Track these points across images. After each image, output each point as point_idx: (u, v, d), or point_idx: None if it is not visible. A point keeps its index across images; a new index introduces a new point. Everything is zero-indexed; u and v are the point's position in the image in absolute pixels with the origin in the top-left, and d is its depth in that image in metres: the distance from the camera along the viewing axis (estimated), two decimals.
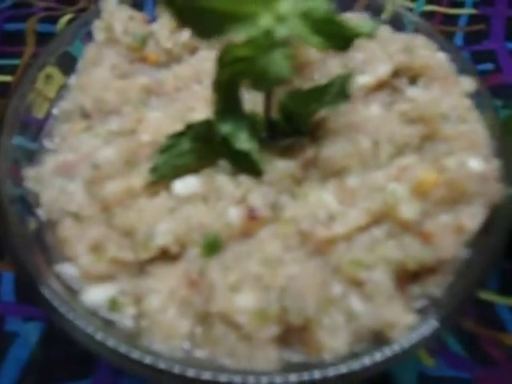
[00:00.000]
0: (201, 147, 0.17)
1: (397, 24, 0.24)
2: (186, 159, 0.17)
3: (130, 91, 0.19)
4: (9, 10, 0.38)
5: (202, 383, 0.13)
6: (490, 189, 0.16)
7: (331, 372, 0.13)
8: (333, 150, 0.17)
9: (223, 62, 0.14)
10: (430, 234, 0.15)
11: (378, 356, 0.13)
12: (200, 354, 0.14)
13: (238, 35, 0.13)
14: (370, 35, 0.14)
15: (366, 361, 0.13)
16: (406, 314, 0.14)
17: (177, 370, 0.13)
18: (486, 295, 0.24)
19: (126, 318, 0.15)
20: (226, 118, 0.16)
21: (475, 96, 0.20)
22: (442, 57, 0.21)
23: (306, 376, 0.13)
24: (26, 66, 0.34)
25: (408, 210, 0.15)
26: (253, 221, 0.16)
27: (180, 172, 0.17)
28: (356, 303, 0.14)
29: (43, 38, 0.37)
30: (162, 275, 0.15)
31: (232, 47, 0.14)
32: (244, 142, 0.16)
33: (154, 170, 0.17)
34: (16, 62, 0.35)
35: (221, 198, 0.16)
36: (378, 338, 0.14)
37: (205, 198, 0.16)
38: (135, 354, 0.13)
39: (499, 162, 0.17)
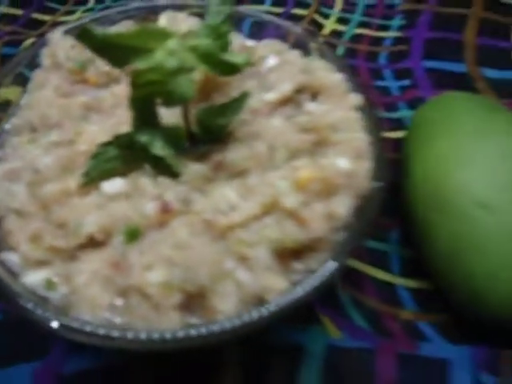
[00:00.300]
0: (126, 154, 0.20)
1: (305, 50, 0.28)
2: (112, 164, 0.20)
3: (71, 108, 0.23)
4: None
5: (113, 339, 0.16)
6: (357, 183, 0.20)
7: (216, 327, 0.16)
8: (234, 155, 0.21)
9: (136, 85, 0.18)
10: (304, 219, 0.19)
11: (255, 314, 0.17)
12: (119, 321, 0.18)
13: (141, 65, 0.17)
14: (244, 65, 0.18)
15: (245, 318, 0.17)
16: (281, 281, 0.17)
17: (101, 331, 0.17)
18: (389, 278, 0.28)
19: (58, 296, 0.18)
20: (143, 130, 0.20)
21: (363, 109, 0.24)
22: (338, 77, 0.25)
23: (193, 332, 0.16)
24: None
25: (289, 201, 0.19)
26: (166, 213, 0.19)
27: (108, 175, 0.20)
28: (242, 274, 0.18)
29: (7, 61, 0.40)
30: (89, 259, 0.19)
31: (143, 73, 0.18)
32: (159, 149, 0.20)
33: (85, 173, 0.20)
34: None
35: (142, 196, 0.20)
36: (261, 302, 0.18)
37: (128, 196, 0.20)
38: (63, 320, 0.17)
39: (371, 163, 0.21)
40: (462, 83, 0.38)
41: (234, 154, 0.21)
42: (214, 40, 0.20)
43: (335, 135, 0.23)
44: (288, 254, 0.19)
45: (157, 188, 0.20)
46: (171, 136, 0.21)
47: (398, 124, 0.36)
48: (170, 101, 0.19)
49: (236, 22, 0.29)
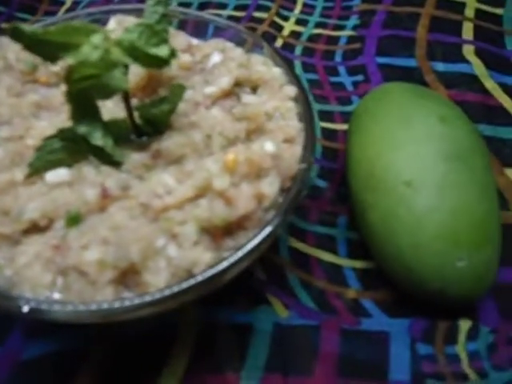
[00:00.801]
0: (69, 145, 0.22)
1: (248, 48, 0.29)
2: (57, 155, 0.22)
3: (21, 106, 0.24)
4: None
5: (53, 313, 0.17)
6: (284, 166, 0.22)
7: (147, 298, 0.18)
8: (172, 143, 0.22)
9: (70, 79, 0.20)
10: (231, 199, 0.20)
11: (184, 284, 0.18)
12: (57, 297, 0.19)
13: (69, 60, 0.18)
14: (169, 58, 0.20)
15: (174, 289, 0.18)
16: (207, 255, 0.19)
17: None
18: (337, 260, 0.29)
19: (3, 278, 0.20)
20: (82, 122, 0.21)
21: (298, 100, 0.26)
22: (276, 71, 0.27)
23: (127, 302, 0.18)
24: None
25: (219, 183, 0.20)
26: (106, 198, 0.21)
27: (53, 166, 0.22)
28: (172, 250, 0.19)
29: None
30: (31, 242, 0.20)
31: (77, 67, 0.19)
32: (98, 139, 0.21)
33: (30, 164, 0.21)
34: None
35: (84, 184, 0.21)
36: (190, 276, 0.19)
37: (71, 184, 0.21)
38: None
39: (300, 147, 0.23)
40: (412, 76, 0.40)
41: (171, 142, 0.22)
42: (148, 37, 0.22)
43: (270, 123, 0.24)
44: (219, 232, 0.20)
45: (99, 176, 0.21)
46: (113, 128, 0.22)
47: (350, 116, 0.38)
48: (105, 93, 0.20)
49: (201, 28, 0.31)
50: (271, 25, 0.46)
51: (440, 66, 0.41)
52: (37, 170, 0.21)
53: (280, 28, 0.46)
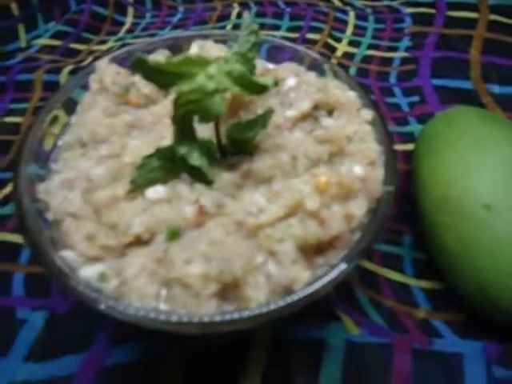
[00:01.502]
0: (166, 164, 0.23)
1: (320, 72, 0.31)
2: (155, 174, 0.23)
3: (116, 126, 0.26)
4: (19, 64, 0.46)
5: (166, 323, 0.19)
6: (370, 187, 0.22)
7: (248, 312, 0.19)
8: (261, 164, 0.23)
9: (178, 104, 0.21)
10: (324, 219, 0.21)
11: (286, 300, 0.19)
12: (163, 308, 0.20)
13: (184, 87, 0.20)
14: (272, 86, 0.21)
15: (275, 305, 0.19)
16: (306, 273, 0.20)
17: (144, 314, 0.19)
18: (404, 279, 0.30)
19: (110, 287, 0.21)
20: (182, 143, 0.23)
21: (374, 123, 0.27)
22: (351, 94, 0.28)
23: (227, 316, 0.19)
24: (36, 109, 0.41)
25: (311, 203, 0.21)
26: (202, 215, 0.22)
27: (151, 183, 0.23)
28: (272, 267, 0.20)
29: (48, 86, 0.44)
30: (136, 255, 0.21)
31: (184, 93, 0.21)
32: (196, 159, 0.23)
33: (132, 181, 0.23)
34: (25, 105, 0.42)
35: (181, 201, 0.23)
36: (288, 292, 0.20)
37: (169, 201, 0.23)
38: (120, 306, 0.19)
39: (383, 170, 0.24)
40: (469, 98, 0.41)
41: (261, 164, 0.23)
42: (242, 64, 0.23)
43: (350, 146, 0.25)
44: (311, 251, 0.21)
45: (194, 194, 0.23)
46: (205, 148, 0.23)
47: (408, 137, 0.39)
48: (206, 117, 0.22)
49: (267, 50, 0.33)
50: (324, 46, 0.48)
51: (496, 89, 0.42)
52: (138, 186, 0.23)
53: (333, 49, 0.48)
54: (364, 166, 0.23)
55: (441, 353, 0.26)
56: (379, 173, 0.24)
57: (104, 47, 0.50)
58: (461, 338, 0.27)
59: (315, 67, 0.31)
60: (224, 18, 0.52)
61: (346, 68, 0.45)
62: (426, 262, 0.30)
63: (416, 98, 0.42)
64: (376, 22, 0.51)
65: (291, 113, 0.27)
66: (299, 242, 0.21)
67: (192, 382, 0.26)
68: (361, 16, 0.52)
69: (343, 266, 0.20)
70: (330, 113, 0.28)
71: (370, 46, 0.48)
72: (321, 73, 0.30)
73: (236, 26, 0.51)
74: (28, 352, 0.27)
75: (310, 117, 0.27)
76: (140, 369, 0.26)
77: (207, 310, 0.20)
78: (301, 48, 0.32)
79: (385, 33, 0.50)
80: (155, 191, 0.23)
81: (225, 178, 0.23)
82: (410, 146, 0.37)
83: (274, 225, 0.22)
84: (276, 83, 0.21)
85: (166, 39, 0.32)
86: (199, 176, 0.23)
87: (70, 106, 0.29)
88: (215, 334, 0.23)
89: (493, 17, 0.50)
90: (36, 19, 0.51)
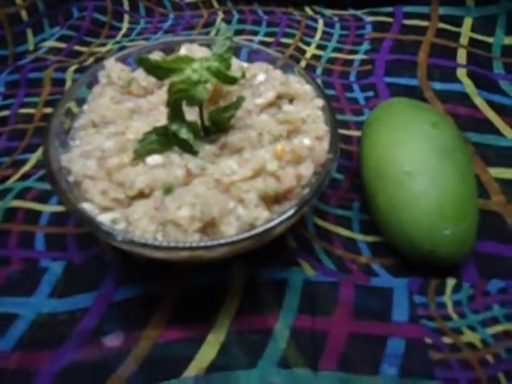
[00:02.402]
0: (161, 139, 0.30)
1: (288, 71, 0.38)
2: (153, 145, 0.30)
3: (121, 111, 0.33)
4: (30, 64, 0.52)
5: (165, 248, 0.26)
6: (317, 155, 0.30)
7: (223, 240, 0.26)
8: (234, 138, 0.31)
9: (170, 92, 0.28)
10: (280, 176, 0.28)
11: (249, 232, 0.26)
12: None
13: (176, 78, 0.27)
14: (240, 77, 0.28)
15: (242, 235, 0.26)
16: (265, 214, 0.27)
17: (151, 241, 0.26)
18: (352, 235, 0.37)
19: (120, 228, 0.28)
20: (174, 122, 0.30)
21: (324, 110, 0.34)
22: (307, 87, 0.36)
23: (208, 242, 0.26)
24: (47, 102, 0.48)
25: (271, 166, 0.29)
26: (189, 176, 0.29)
27: (150, 153, 0.30)
28: (240, 210, 0.27)
29: (56, 82, 0.51)
30: (140, 205, 0.28)
31: (175, 83, 0.28)
32: (184, 134, 0.30)
33: (135, 151, 0.30)
34: (36, 99, 0.49)
35: (173, 165, 0.30)
36: (253, 228, 0.27)
37: (164, 166, 0.30)
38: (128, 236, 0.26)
39: (327, 143, 0.31)
40: (414, 93, 0.49)
41: (234, 138, 0.31)
42: (219, 62, 0.31)
43: (304, 126, 0.33)
44: (270, 201, 0.29)
45: (183, 160, 0.30)
46: (192, 127, 0.31)
47: (362, 125, 0.46)
48: (192, 102, 0.29)
49: (236, 51, 0.40)
50: (296, 49, 0.55)
51: (437, 85, 0.50)
52: (140, 155, 0.30)
53: (303, 52, 0.55)
54: (312, 140, 0.30)
55: (376, 287, 0.34)
56: (324, 145, 0.31)
57: (104, 49, 0.57)
58: (392, 276, 0.34)
59: (283, 66, 0.38)
60: (209, 24, 0.60)
61: (313, 68, 0.53)
62: (369, 222, 0.38)
63: (371, 93, 0.50)
64: (341, 28, 0.59)
65: (259, 100, 0.34)
66: (261, 194, 0.28)
67: (181, 312, 0.33)
68: (328, 23, 0.60)
69: (292, 211, 0.28)
70: (291, 101, 0.36)
71: (335, 49, 0.56)
72: (286, 71, 0.38)
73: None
74: (50, 291, 0.33)
75: (274, 104, 0.35)
76: (140, 303, 0.33)
77: (192, 240, 0.27)
78: (272, 52, 0.39)
79: (348, 38, 0.57)
80: (153, 159, 0.30)
81: (206, 149, 0.31)
82: None
83: (244, 181, 0.29)
84: (243, 75, 0.28)
85: (160, 43, 0.40)
86: (187, 147, 0.30)
87: (80, 99, 0.36)
88: (199, 260, 0.30)
89: (441, 25, 0.58)
90: (42, 24, 0.57)
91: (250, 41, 0.57)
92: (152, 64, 0.27)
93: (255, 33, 0.58)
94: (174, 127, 0.30)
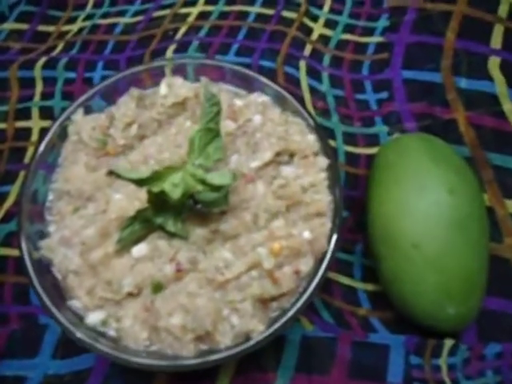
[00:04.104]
0: (146, 225, 0.28)
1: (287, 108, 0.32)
2: (137, 233, 0.28)
3: (99, 181, 0.29)
4: None
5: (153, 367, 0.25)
6: (316, 247, 0.27)
7: (222, 354, 0.25)
8: (227, 226, 0.28)
9: (150, 194, 0.25)
10: (277, 278, 0.26)
11: (245, 345, 0.25)
12: (154, 348, 0.27)
13: (154, 189, 0.23)
14: (230, 183, 0.24)
15: (237, 349, 0.25)
16: (260, 326, 0.26)
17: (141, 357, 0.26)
18: (351, 282, 0.36)
19: (111, 330, 0.27)
20: (158, 214, 0.27)
21: (328, 170, 0.30)
22: (310, 138, 0.31)
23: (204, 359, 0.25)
24: (16, 111, 0.42)
25: (267, 264, 0.27)
26: (179, 272, 0.27)
27: (135, 242, 0.28)
28: (234, 319, 0.26)
29: (24, 83, 0.44)
30: (129, 306, 0.27)
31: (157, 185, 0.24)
32: (171, 226, 0.27)
33: (119, 241, 0.27)
34: (5, 108, 0.43)
35: (161, 257, 0.27)
36: (248, 338, 0.26)
37: (151, 258, 0.28)
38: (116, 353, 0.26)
39: (330, 226, 0.28)
40: (436, 96, 0.42)
41: (227, 225, 0.28)
42: (206, 134, 0.26)
43: (305, 196, 0.29)
44: (267, 300, 0.27)
45: (171, 249, 0.28)
46: (178, 211, 0.27)
47: (372, 140, 0.41)
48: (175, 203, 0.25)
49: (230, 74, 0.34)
50: (300, 28, 0.46)
51: (463, 83, 0.43)
52: (124, 246, 0.28)
53: (309, 31, 0.47)
54: (312, 229, 0.27)
55: (374, 344, 0.34)
56: (326, 228, 0.28)
57: (74, 27, 0.48)
58: (389, 333, 0.34)
59: (279, 100, 0.32)
60: None
61: (320, 56, 0.45)
62: (370, 268, 0.36)
63: (385, 95, 0.43)
64: None
65: (254, 164, 0.30)
66: (256, 299, 0.26)
67: (179, 373, 0.34)
68: None
69: (285, 319, 0.26)
70: (291, 155, 0.31)
71: (347, 27, 0.47)
72: (285, 106, 0.32)
73: (202, 15, 0.48)
74: (53, 351, 0.34)
75: (272, 163, 0.30)
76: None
77: (188, 351, 0.26)
78: (266, 81, 0.33)
79: (363, 7, 0.48)
80: (139, 249, 0.28)
81: (197, 233, 0.28)
82: (373, 150, 0.40)
83: (237, 278, 0.27)
84: (234, 178, 0.24)
85: (134, 73, 0.33)
86: (175, 234, 0.28)
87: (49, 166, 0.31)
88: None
89: None
90: None
91: (246, 14, 0.48)
92: (127, 178, 0.23)
93: (251, 1, 0.48)
94: (159, 220, 0.27)
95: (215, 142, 0.27)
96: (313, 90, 0.43)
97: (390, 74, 0.44)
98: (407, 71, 0.44)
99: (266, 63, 0.44)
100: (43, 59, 0.45)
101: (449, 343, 0.33)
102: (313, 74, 0.44)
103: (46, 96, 0.44)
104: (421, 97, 0.42)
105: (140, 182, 0.23)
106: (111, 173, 0.22)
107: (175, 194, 0.23)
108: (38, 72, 0.44)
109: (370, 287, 0.36)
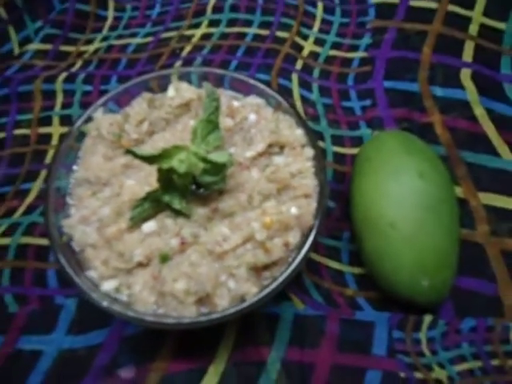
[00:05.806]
0: (154, 205, 0.32)
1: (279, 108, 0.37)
2: (147, 212, 0.32)
3: (114, 169, 0.34)
4: (18, 74, 0.51)
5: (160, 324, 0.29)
6: (303, 222, 0.31)
7: (218, 314, 0.29)
8: (225, 205, 0.32)
9: (160, 172, 0.29)
10: (268, 248, 0.30)
11: (240, 306, 0.29)
12: (161, 311, 0.30)
13: (164, 165, 0.28)
14: (227, 164, 0.29)
15: (233, 309, 0.29)
16: (254, 288, 0.29)
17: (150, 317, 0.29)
18: (339, 266, 0.40)
19: (123, 296, 0.31)
20: (166, 192, 0.31)
21: (314, 159, 0.34)
22: (299, 132, 0.35)
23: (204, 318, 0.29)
24: (39, 120, 0.48)
25: (259, 236, 0.30)
26: (183, 245, 0.31)
27: (145, 219, 0.32)
28: (231, 284, 0.30)
29: (46, 95, 0.50)
30: (139, 274, 0.31)
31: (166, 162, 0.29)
32: (177, 204, 0.31)
33: (131, 219, 0.32)
34: (29, 116, 0.49)
35: (167, 232, 0.31)
36: (243, 300, 0.30)
37: (159, 233, 0.32)
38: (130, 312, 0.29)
39: (315, 204, 0.32)
40: (413, 103, 0.47)
41: (225, 204, 0.32)
42: (207, 126, 0.31)
43: (293, 181, 0.34)
44: (260, 268, 0.31)
45: (176, 226, 0.32)
46: (184, 191, 0.32)
47: (357, 141, 0.46)
48: (181, 180, 0.30)
49: (230, 82, 0.39)
50: (292, 46, 0.52)
51: (438, 91, 0.48)
52: (135, 222, 0.32)
53: (300, 48, 0.52)
54: (300, 205, 0.31)
55: (360, 321, 0.37)
56: (312, 206, 0.32)
57: (91, 47, 0.54)
58: (374, 311, 0.37)
59: (273, 102, 0.37)
60: (200, 13, 0.56)
61: (310, 69, 0.51)
62: (357, 253, 0.40)
63: (368, 102, 0.48)
64: (342, 15, 0.54)
65: (249, 153, 0.34)
66: (251, 266, 0.30)
67: (185, 346, 0.37)
68: (329, 8, 0.55)
69: (275, 285, 0.30)
70: (281, 148, 0.36)
71: (334, 45, 0.52)
72: (277, 107, 0.37)
73: (212, 23, 0.55)
74: (68, 328, 0.37)
75: (265, 153, 0.35)
76: (149, 338, 0.37)
77: (190, 312, 0.30)
78: (262, 86, 0.38)
79: (349, 28, 0.54)
80: (148, 226, 0.32)
81: (199, 212, 0.32)
82: (358, 150, 0.45)
83: (234, 250, 0.31)
84: (231, 162, 0.29)
85: (145, 81, 0.38)
86: (180, 213, 0.32)
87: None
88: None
89: (451, 7, 0.53)
90: (24, 20, 0.54)
91: (244, 34, 0.54)
92: (141, 155, 0.27)
93: (249, 23, 0.55)
94: (167, 198, 0.31)
95: (215, 133, 0.32)
96: (304, 99, 0.48)
97: (373, 84, 0.49)
98: (388, 81, 0.49)
99: (261, 76, 0.50)
100: (64, 74, 0.51)
101: (428, 319, 0.36)
102: (304, 85, 0.50)
103: (65, 106, 0.49)
104: (401, 104, 0.47)
105: (151, 159, 0.28)
106: (128, 151, 0.27)
107: (182, 168, 0.27)
108: (59, 85, 0.50)
109: (356, 270, 0.40)
